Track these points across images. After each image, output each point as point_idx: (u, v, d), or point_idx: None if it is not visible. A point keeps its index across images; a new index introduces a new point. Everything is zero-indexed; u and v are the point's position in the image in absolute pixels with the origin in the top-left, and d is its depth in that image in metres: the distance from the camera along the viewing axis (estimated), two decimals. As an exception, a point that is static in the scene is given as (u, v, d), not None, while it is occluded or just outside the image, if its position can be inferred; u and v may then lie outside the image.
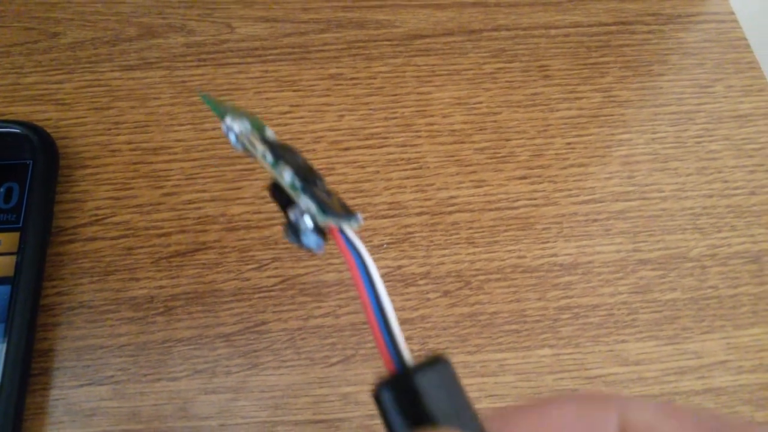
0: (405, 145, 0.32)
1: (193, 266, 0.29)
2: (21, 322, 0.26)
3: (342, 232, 0.14)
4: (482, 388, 0.27)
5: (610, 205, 0.32)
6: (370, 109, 0.33)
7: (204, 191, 0.31)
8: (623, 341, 0.29)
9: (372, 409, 0.27)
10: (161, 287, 0.28)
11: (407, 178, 0.32)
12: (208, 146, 0.32)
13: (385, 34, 0.36)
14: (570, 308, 0.29)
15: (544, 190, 0.32)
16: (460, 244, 0.30)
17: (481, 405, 0.27)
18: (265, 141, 0.15)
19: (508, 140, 0.33)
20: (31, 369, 0.26)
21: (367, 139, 0.33)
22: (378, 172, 0.32)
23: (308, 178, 0.14)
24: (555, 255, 0.30)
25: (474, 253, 0.30)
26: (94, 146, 0.32)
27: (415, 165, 0.32)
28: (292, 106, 0.33)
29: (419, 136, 0.33)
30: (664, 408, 0.13)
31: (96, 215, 0.30)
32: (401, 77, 0.34)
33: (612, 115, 0.34)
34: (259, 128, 0.15)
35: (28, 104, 0.32)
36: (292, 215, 0.13)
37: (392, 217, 0.31)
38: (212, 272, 0.29)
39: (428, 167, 0.32)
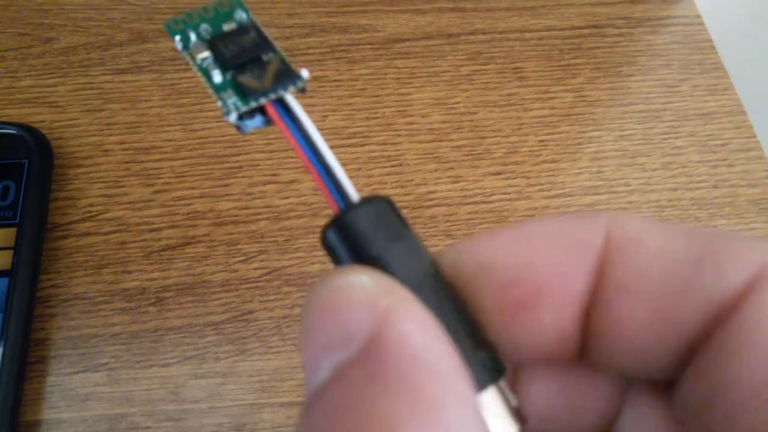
0: (386, 144, 0.34)
1: (182, 259, 0.30)
2: (18, 313, 0.28)
3: (275, 104, 0.14)
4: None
5: (580, 198, 0.33)
6: (353, 110, 0.35)
7: (193, 188, 0.32)
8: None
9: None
10: (152, 279, 0.30)
11: (388, 174, 0.33)
12: (197, 146, 0.33)
13: (367, 38, 0.37)
14: (542, 295, 0.31)
15: (517, 185, 0.33)
16: (438, 237, 0.32)
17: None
18: (210, 42, 0.15)
19: (484, 138, 0.34)
20: (28, 357, 0.28)
21: (349, 138, 0.34)
22: (360, 169, 0.33)
23: (243, 61, 0.14)
24: (528, 246, 0.32)
25: (451, 245, 0.32)
26: (87, 146, 0.33)
27: (395, 162, 0.33)
28: (277, 106, 0.35)
29: (399, 135, 0.34)
30: (653, 221, 0.12)
31: (89, 212, 0.31)
32: (382, 79, 0.36)
33: (583, 114, 0.36)
34: (217, 23, 0.15)
35: (22, 107, 0.34)
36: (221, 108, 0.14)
37: (373, 211, 0.32)
38: (201, 265, 0.30)
39: (408, 164, 0.33)
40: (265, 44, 0.14)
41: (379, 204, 0.12)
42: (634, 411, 0.13)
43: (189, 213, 0.31)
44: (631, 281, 0.12)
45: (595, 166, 0.34)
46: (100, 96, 0.34)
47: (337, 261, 0.12)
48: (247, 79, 0.14)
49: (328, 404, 0.10)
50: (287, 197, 0.32)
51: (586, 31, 0.39)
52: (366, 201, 0.12)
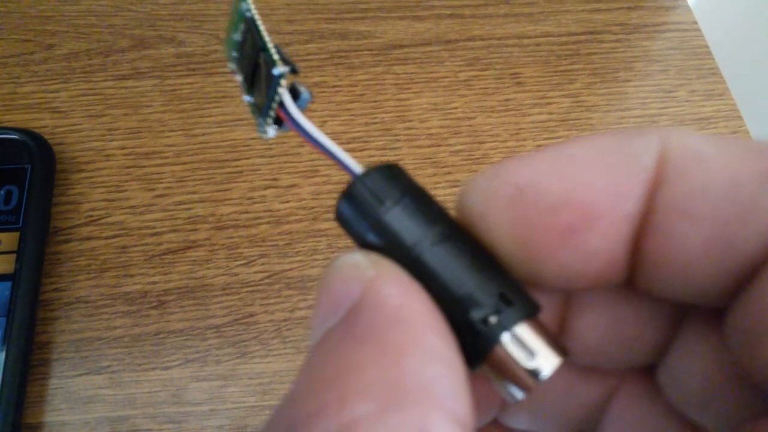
0: (385, 149, 0.34)
1: (184, 263, 0.31)
2: (21, 316, 0.28)
3: (282, 108, 0.14)
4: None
5: (578, 202, 0.33)
6: (352, 115, 0.35)
7: (194, 193, 0.32)
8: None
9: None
10: (154, 283, 0.30)
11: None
12: (198, 151, 0.33)
13: (366, 44, 0.38)
14: (540, 298, 0.31)
15: (516, 189, 0.34)
16: (437, 241, 0.32)
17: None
18: (238, 59, 0.15)
19: (482, 143, 0.35)
20: (31, 360, 0.28)
21: (348, 143, 0.34)
22: (359, 173, 0.33)
23: (253, 73, 0.15)
24: (526, 249, 0.32)
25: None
26: (89, 151, 0.33)
27: (394, 167, 0.34)
28: (277, 112, 0.35)
29: (398, 140, 0.35)
30: (712, 137, 0.11)
31: (91, 216, 0.31)
32: (381, 85, 0.36)
33: (580, 119, 0.36)
34: (236, 26, 0.15)
35: (25, 112, 0.34)
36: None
37: (373, 215, 0.32)
38: (202, 268, 0.30)
39: (407, 169, 0.34)
40: (257, 45, 0.14)
41: (381, 170, 0.13)
42: (686, 342, 0.13)
43: (190, 217, 0.32)
44: (690, 202, 0.11)
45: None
46: (102, 102, 0.35)
47: (349, 232, 0.13)
48: (256, 96, 0.14)
49: (308, 361, 0.11)
50: (287, 201, 0.32)
51: (583, 37, 0.39)
52: (369, 171, 0.13)
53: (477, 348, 0.11)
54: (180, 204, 0.32)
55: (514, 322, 0.11)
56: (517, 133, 0.35)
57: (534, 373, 0.11)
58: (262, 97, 0.14)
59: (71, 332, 0.29)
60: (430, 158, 0.34)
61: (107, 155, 0.33)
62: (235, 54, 0.15)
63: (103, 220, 0.31)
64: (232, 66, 0.15)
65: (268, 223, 0.32)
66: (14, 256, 0.29)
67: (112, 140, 0.34)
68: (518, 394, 0.11)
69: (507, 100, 0.36)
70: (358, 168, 0.13)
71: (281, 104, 0.14)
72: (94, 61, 0.36)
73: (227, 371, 0.28)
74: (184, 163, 0.33)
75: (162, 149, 0.33)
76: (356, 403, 0.09)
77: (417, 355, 0.10)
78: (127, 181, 0.32)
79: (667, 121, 0.36)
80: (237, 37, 0.15)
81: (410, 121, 0.35)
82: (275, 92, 0.14)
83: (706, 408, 0.12)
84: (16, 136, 0.32)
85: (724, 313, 0.11)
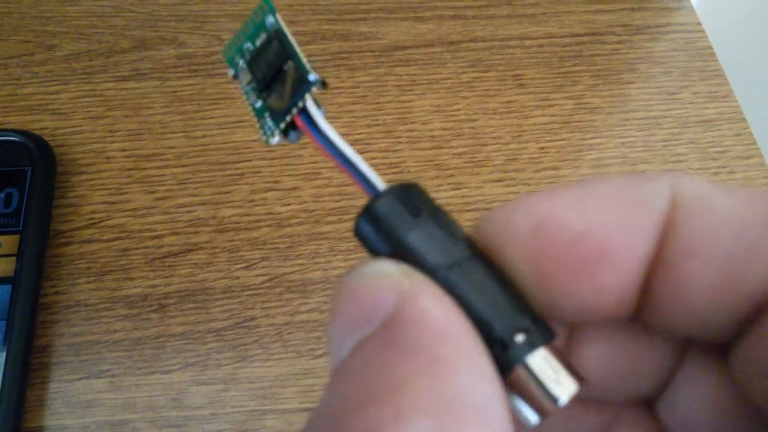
0: (387, 151, 0.34)
1: (185, 266, 0.30)
2: (21, 319, 0.28)
3: (301, 114, 0.14)
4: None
5: (581, 205, 0.33)
6: (354, 117, 0.35)
7: (195, 195, 0.32)
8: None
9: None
10: (155, 286, 0.30)
11: (389, 181, 0.33)
12: (199, 153, 0.33)
13: (368, 46, 0.37)
14: (542, 302, 0.31)
15: (518, 192, 0.33)
16: (439, 244, 0.32)
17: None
18: (250, 65, 0.15)
19: (484, 145, 0.35)
20: (31, 364, 0.28)
21: (351, 145, 0.34)
22: (361, 176, 0.33)
23: (270, 79, 0.15)
24: (529, 253, 0.32)
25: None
26: (89, 153, 0.33)
27: (396, 169, 0.34)
28: (279, 114, 0.35)
29: (400, 142, 0.34)
30: (720, 184, 0.12)
31: (92, 219, 0.31)
32: (383, 86, 0.36)
33: (583, 121, 0.36)
34: (254, 37, 0.15)
35: (25, 114, 0.34)
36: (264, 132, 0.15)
37: (374, 218, 0.32)
38: (203, 271, 0.30)
39: (409, 171, 0.34)
40: (285, 52, 0.14)
41: (403, 189, 0.13)
42: (689, 375, 0.13)
43: (191, 220, 0.32)
44: (699, 244, 0.11)
45: (596, 174, 0.34)
46: (103, 103, 0.35)
47: (369, 248, 0.13)
48: (273, 100, 0.14)
49: (348, 371, 0.10)
50: (288, 204, 0.32)
51: (586, 38, 0.39)
52: (394, 188, 0.13)
53: (499, 369, 0.11)
54: (181, 207, 0.32)
55: (539, 344, 0.11)
56: (520, 135, 0.35)
57: (553, 398, 0.11)
58: (283, 101, 0.14)
59: (71, 336, 0.29)
60: (432, 161, 0.34)
61: (108, 157, 0.33)
62: (240, 61, 0.15)
63: (103, 223, 0.31)
64: (232, 72, 0.15)
65: (269, 226, 0.32)
66: (14, 258, 0.29)
67: (112, 142, 0.33)
68: (533, 417, 0.11)
69: (509, 101, 0.36)
70: (381, 184, 0.13)
71: (303, 110, 0.14)
72: (94, 62, 0.36)
73: (228, 375, 0.28)
74: (185, 166, 0.33)
75: (163, 151, 0.33)
76: (413, 420, 0.09)
77: (469, 374, 0.10)
78: (127, 183, 0.32)
79: (670, 123, 0.36)
80: (249, 45, 0.15)
81: (412, 123, 0.35)
82: (302, 98, 0.14)
83: None
84: (17, 138, 0.31)
85: (728, 347, 0.12)
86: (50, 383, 0.28)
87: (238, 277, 0.30)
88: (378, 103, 0.36)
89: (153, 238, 0.31)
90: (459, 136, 0.35)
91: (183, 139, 0.34)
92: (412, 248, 0.12)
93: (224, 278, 0.30)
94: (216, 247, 0.31)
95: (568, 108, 0.36)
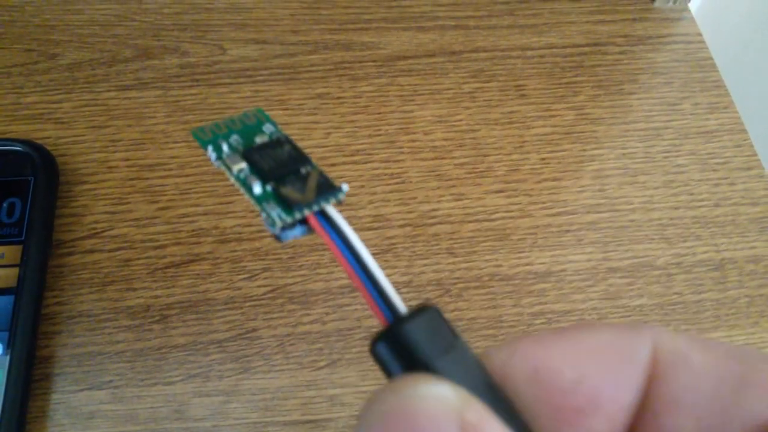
0: (389, 161, 0.34)
1: (187, 277, 0.30)
2: (24, 330, 0.28)
3: (317, 215, 0.14)
4: (461, 390, 0.29)
5: (582, 216, 0.33)
6: (356, 127, 0.35)
7: (197, 205, 0.32)
8: (594, 345, 0.30)
9: (357, 410, 0.28)
10: (157, 297, 0.30)
11: (391, 192, 0.33)
12: (201, 163, 0.33)
13: (370, 56, 0.38)
14: (543, 314, 0.31)
15: (519, 203, 0.33)
16: (440, 255, 0.32)
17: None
18: (245, 154, 0.15)
19: (486, 156, 0.35)
20: (33, 375, 0.28)
21: (352, 155, 0.34)
22: (363, 186, 0.33)
23: (282, 173, 0.15)
24: (530, 264, 0.32)
25: (454, 263, 0.32)
26: (92, 163, 0.33)
27: (398, 180, 0.34)
28: (281, 124, 0.35)
29: (402, 153, 0.35)
30: (696, 339, 0.13)
31: (94, 228, 0.31)
32: (385, 96, 0.36)
33: (584, 132, 0.36)
34: (248, 135, 0.16)
35: (28, 123, 0.34)
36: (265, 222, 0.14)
37: (376, 229, 0.32)
38: (205, 282, 0.30)
39: (411, 182, 0.34)
40: (301, 158, 0.15)
41: (428, 315, 0.13)
42: None
43: (193, 230, 0.32)
44: (680, 396, 0.13)
45: (597, 184, 0.34)
46: (105, 112, 0.35)
47: (388, 373, 0.12)
48: (289, 190, 0.14)
49: None
50: (291, 215, 0.32)
51: (587, 48, 0.39)
52: (415, 312, 0.13)
53: None
54: (183, 217, 0.32)
55: None
56: (521, 146, 0.35)
57: None
58: (303, 195, 0.14)
59: (73, 346, 0.29)
60: (434, 171, 0.34)
61: (110, 167, 0.33)
62: (225, 146, 0.15)
63: (106, 233, 0.31)
64: (214, 155, 0.15)
65: (271, 236, 0.32)
66: (17, 269, 0.29)
67: (115, 151, 0.34)
68: None
69: (511, 112, 0.36)
70: (402, 306, 0.13)
71: (321, 212, 0.14)
72: (97, 71, 0.36)
73: (230, 387, 0.28)
74: (188, 175, 0.33)
75: (165, 161, 0.33)
76: None
77: None
78: (130, 193, 0.32)
79: (671, 135, 0.36)
80: (237, 138, 0.15)
81: (414, 133, 0.35)
82: (328, 202, 0.14)
83: None
84: (20, 148, 0.31)
85: None
86: (52, 394, 0.28)
87: (240, 288, 0.30)
88: (380, 113, 0.36)
89: (155, 248, 0.31)
90: (461, 146, 0.35)
91: (185, 149, 0.34)
92: (441, 374, 0.12)
93: (226, 289, 0.30)
94: (218, 258, 0.31)
95: (569, 119, 0.36)
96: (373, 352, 0.13)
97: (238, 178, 0.15)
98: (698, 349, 0.13)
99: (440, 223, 0.33)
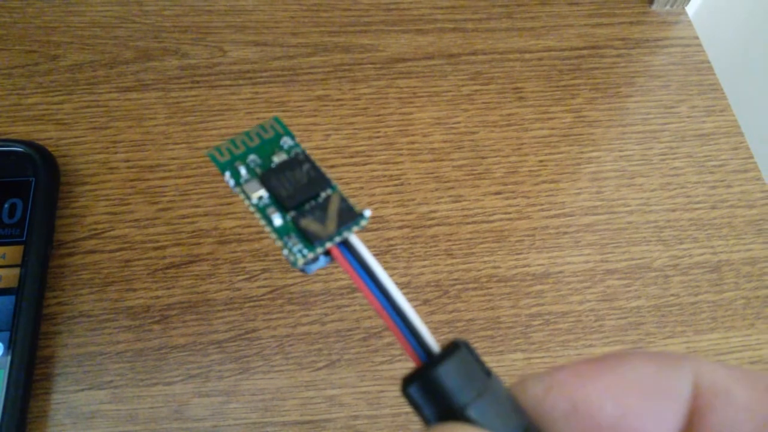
0: (388, 163, 0.34)
1: (187, 277, 0.31)
2: (24, 330, 0.28)
3: (340, 245, 0.14)
4: (459, 391, 0.29)
5: (580, 218, 0.34)
6: (355, 129, 0.35)
7: (197, 206, 0.32)
8: (590, 346, 0.31)
9: (355, 410, 0.28)
10: (157, 297, 0.30)
11: (390, 193, 0.34)
12: (202, 164, 0.34)
13: (369, 58, 0.38)
14: (541, 315, 0.31)
15: (517, 205, 0.34)
16: (439, 256, 0.32)
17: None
18: (264, 178, 0.14)
19: (484, 158, 0.35)
20: (34, 375, 0.28)
21: (352, 156, 0.35)
22: (362, 188, 0.34)
23: (302, 199, 0.14)
24: (528, 265, 0.32)
25: (452, 264, 0.32)
26: (92, 164, 0.33)
27: (397, 181, 0.34)
28: (280, 125, 0.35)
29: (401, 154, 0.35)
30: (735, 370, 0.13)
31: (95, 229, 0.32)
32: (384, 98, 0.36)
33: (582, 134, 0.36)
34: (265, 152, 0.15)
35: (29, 124, 0.34)
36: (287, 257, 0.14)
37: (375, 230, 0.33)
38: (205, 283, 0.31)
39: (409, 183, 0.34)
40: (320, 178, 0.14)
41: (461, 354, 0.12)
42: None
43: (193, 231, 0.32)
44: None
45: (594, 187, 0.35)
46: (106, 114, 0.35)
47: (423, 416, 0.12)
48: (309, 222, 0.14)
49: None
50: (290, 216, 0.32)
51: (585, 51, 0.39)
52: (447, 352, 0.12)
53: None
54: (183, 218, 0.32)
55: None
56: (519, 148, 0.35)
57: None
58: (325, 227, 0.14)
59: (74, 347, 0.29)
60: (432, 173, 0.34)
61: (111, 168, 0.33)
62: (243, 170, 0.15)
63: (106, 234, 0.31)
64: (232, 182, 0.15)
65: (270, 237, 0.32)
66: (18, 269, 0.29)
67: (116, 153, 0.34)
68: None
69: (509, 114, 0.37)
70: (435, 345, 0.13)
71: (344, 242, 0.14)
72: (98, 72, 0.36)
73: (229, 387, 0.28)
74: (188, 177, 0.33)
75: (166, 162, 0.34)
76: None
77: None
78: (130, 194, 0.33)
79: (668, 137, 0.37)
80: (256, 158, 0.15)
81: (413, 135, 0.35)
82: (350, 230, 0.14)
83: None
84: (21, 149, 0.32)
85: None
86: (53, 394, 0.28)
87: (239, 289, 0.31)
88: (379, 115, 0.36)
89: (155, 249, 0.31)
90: (459, 148, 0.35)
91: (186, 150, 0.34)
92: (476, 422, 0.12)
93: (226, 290, 0.31)
94: (218, 259, 0.31)
95: (567, 121, 0.37)
96: (406, 394, 0.12)
97: (257, 207, 0.14)
98: (739, 382, 0.13)
99: (439, 224, 0.33)
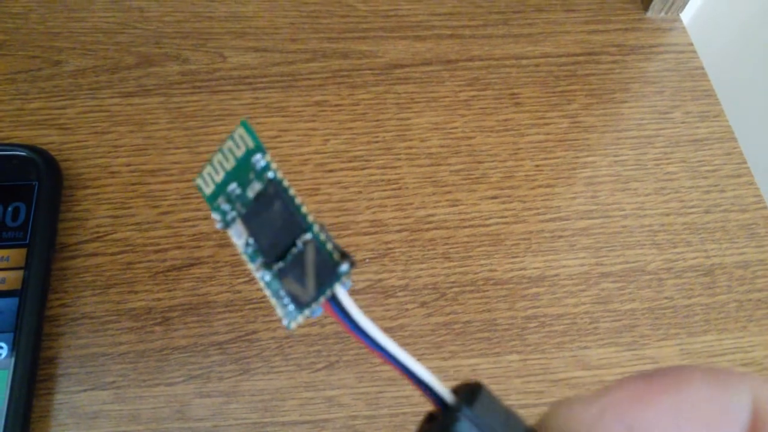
0: (386, 167, 0.35)
1: (188, 280, 0.31)
2: (28, 331, 0.28)
3: (330, 300, 0.13)
4: (456, 392, 0.30)
5: (575, 222, 0.34)
6: (354, 134, 0.36)
7: (198, 210, 0.33)
8: (585, 347, 0.31)
9: (354, 410, 0.29)
10: (159, 299, 0.31)
11: (388, 197, 0.34)
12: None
13: (367, 64, 0.38)
14: (537, 317, 0.32)
15: (514, 209, 0.34)
16: (436, 259, 0.33)
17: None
18: (245, 220, 0.13)
19: (481, 163, 0.35)
20: (37, 375, 0.28)
21: (350, 161, 0.35)
22: (361, 192, 0.34)
23: (281, 249, 0.13)
24: (524, 268, 0.33)
25: (449, 267, 0.32)
26: (95, 168, 0.34)
27: (395, 186, 0.34)
28: (280, 130, 0.36)
29: (399, 159, 0.35)
30: None
31: (97, 232, 0.32)
32: (382, 104, 0.37)
33: (577, 140, 0.37)
34: (241, 176, 0.13)
35: (32, 128, 0.35)
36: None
37: (374, 234, 0.33)
38: (206, 285, 0.31)
39: (407, 188, 0.34)
40: (294, 220, 0.13)
41: (481, 402, 0.12)
42: None
43: (194, 234, 0.32)
44: None
45: (589, 191, 0.35)
46: (108, 118, 0.35)
47: None
48: (290, 283, 0.13)
49: None
50: (290, 219, 0.33)
51: (581, 58, 0.40)
52: (466, 399, 0.12)
53: None
54: (184, 221, 0.33)
55: None
56: (516, 153, 0.36)
57: None
58: (305, 290, 0.13)
59: (77, 348, 0.29)
60: (430, 177, 0.35)
61: (113, 172, 0.34)
62: (227, 208, 0.13)
63: (108, 237, 0.32)
64: (221, 224, 0.13)
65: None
66: (21, 272, 0.30)
67: (117, 157, 0.34)
68: None
69: (506, 120, 0.37)
70: (448, 395, 0.12)
71: (333, 299, 0.13)
72: (100, 77, 0.37)
73: (230, 388, 0.29)
74: (189, 181, 0.34)
75: (167, 166, 0.34)
76: None
77: None
78: (132, 198, 0.33)
79: (662, 142, 0.37)
80: (236, 188, 0.13)
81: (411, 140, 0.36)
82: (330, 289, 0.12)
83: None
84: (24, 153, 0.32)
85: None
86: (56, 394, 0.28)
87: (240, 291, 0.31)
88: (377, 120, 0.36)
89: (157, 251, 0.32)
90: (456, 153, 0.36)
91: (187, 155, 0.34)
92: None
93: (226, 292, 0.31)
94: (218, 262, 0.32)
95: (563, 126, 0.37)
96: None
97: (248, 255, 0.13)
98: None
99: (436, 228, 0.33)
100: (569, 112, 0.38)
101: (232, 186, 0.13)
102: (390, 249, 0.33)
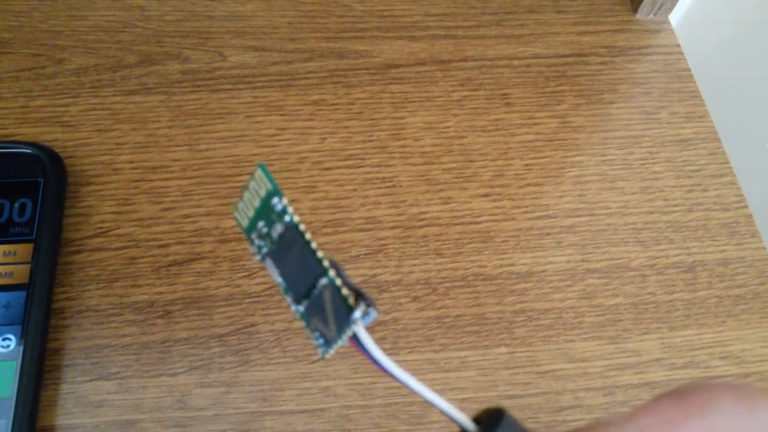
0: (380, 166, 0.36)
1: (189, 274, 0.32)
2: (35, 324, 0.30)
3: (353, 337, 0.14)
4: (446, 382, 0.31)
5: (562, 220, 0.35)
6: (350, 132, 0.37)
7: (199, 206, 0.34)
8: (570, 341, 0.32)
9: (348, 400, 0.30)
10: (161, 293, 0.32)
11: (382, 195, 0.35)
12: (203, 165, 0.35)
13: (363, 64, 0.39)
14: (524, 312, 0.33)
15: (504, 207, 0.35)
16: (428, 255, 0.34)
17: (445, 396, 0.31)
18: (275, 260, 0.14)
19: (472, 162, 0.37)
20: (44, 366, 0.30)
21: (346, 159, 0.36)
22: (356, 189, 0.35)
23: (305, 290, 0.14)
24: (512, 265, 0.34)
25: (441, 263, 0.34)
26: (98, 165, 0.35)
27: (389, 183, 0.36)
28: (278, 129, 0.37)
29: (393, 158, 0.36)
30: None
31: (101, 228, 0.33)
32: (378, 103, 0.38)
33: (566, 139, 0.38)
34: (266, 215, 0.14)
35: (37, 126, 0.36)
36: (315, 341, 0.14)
37: (368, 230, 0.34)
38: (207, 279, 0.32)
39: (401, 186, 0.36)
40: (311, 264, 0.14)
41: (504, 429, 0.13)
42: None
43: (195, 230, 0.33)
44: None
45: (577, 190, 0.36)
46: (111, 116, 0.36)
47: None
48: (317, 322, 0.14)
49: None
50: (287, 216, 0.34)
51: (571, 59, 0.41)
52: (489, 429, 0.13)
53: None
54: (186, 217, 0.34)
55: None
56: (506, 152, 0.37)
57: None
58: (328, 329, 0.14)
59: (82, 339, 0.30)
60: (423, 176, 0.36)
61: (116, 169, 0.35)
62: (260, 243, 0.14)
63: (112, 232, 0.33)
64: (258, 257, 0.15)
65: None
66: (28, 266, 0.31)
67: (120, 154, 0.35)
68: None
69: (497, 120, 0.38)
70: (470, 426, 0.13)
71: (355, 338, 0.14)
72: (102, 76, 0.38)
73: (230, 378, 0.30)
74: (190, 178, 0.35)
75: (168, 163, 0.35)
76: None
77: None
78: (134, 194, 0.34)
79: (648, 142, 0.38)
80: (263, 226, 0.14)
81: (405, 139, 0.37)
82: (347, 331, 0.14)
83: None
84: (30, 151, 0.33)
85: None
86: (62, 384, 0.30)
87: (239, 286, 0.32)
88: (373, 120, 0.38)
89: (159, 247, 0.33)
90: (449, 152, 0.37)
91: (188, 152, 0.35)
92: None
93: (226, 286, 0.32)
94: (219, 257, 0.33)
95: (552, 126, 0.38)
96: None
97: (281, 287, 0.15)
98: None
99: (429, 225, 0.35)
100: (558, 112, 0.39)
101: (261, 223, 0.15)
102: (384, 245, 0.34)
